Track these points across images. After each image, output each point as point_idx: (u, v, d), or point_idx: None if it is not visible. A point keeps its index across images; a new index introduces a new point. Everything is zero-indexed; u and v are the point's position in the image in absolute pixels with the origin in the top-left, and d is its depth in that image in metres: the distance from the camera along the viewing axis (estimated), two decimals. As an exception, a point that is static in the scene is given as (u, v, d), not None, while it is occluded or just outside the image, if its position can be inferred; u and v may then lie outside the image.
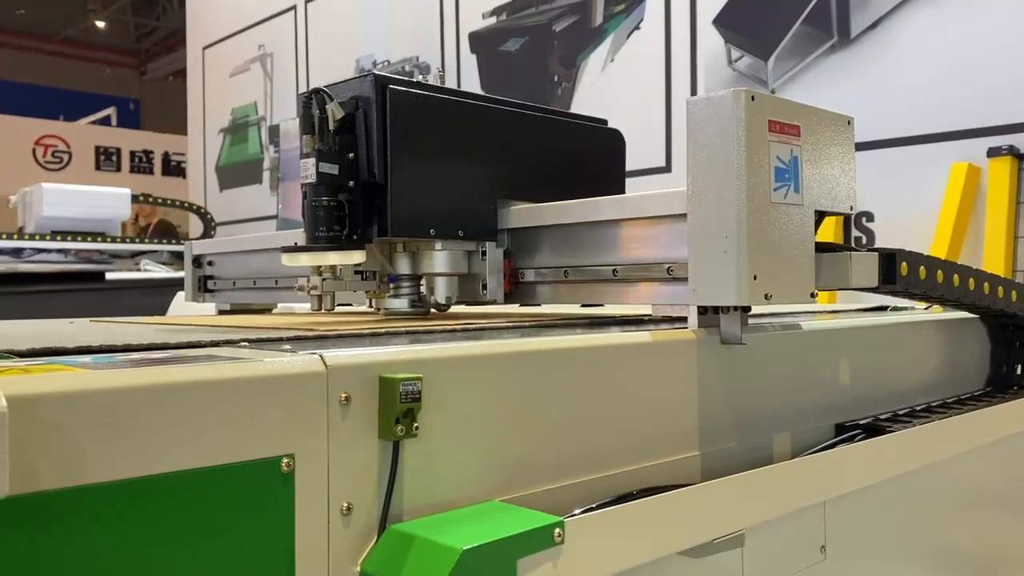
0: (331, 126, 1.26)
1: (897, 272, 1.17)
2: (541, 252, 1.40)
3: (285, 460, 0.72)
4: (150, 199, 6.14)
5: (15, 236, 4.84)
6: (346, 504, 0.76)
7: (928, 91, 3.49)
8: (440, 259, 1.39)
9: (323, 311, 1.37)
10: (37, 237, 4.82)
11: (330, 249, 1.27)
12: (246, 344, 0.89)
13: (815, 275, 1.13)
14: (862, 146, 3.64)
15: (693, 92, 4.25)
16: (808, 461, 1.16)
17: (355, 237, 1.27)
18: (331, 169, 1.26)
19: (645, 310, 1.39)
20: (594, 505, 0.90)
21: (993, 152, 3.27)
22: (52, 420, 0.61)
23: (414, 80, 1.35)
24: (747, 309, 1.11)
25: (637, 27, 4.54)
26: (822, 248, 1.15)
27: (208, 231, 5.88)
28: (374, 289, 1.42)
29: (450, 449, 0.84)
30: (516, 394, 0.90)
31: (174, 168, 10.36)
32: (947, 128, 3.45)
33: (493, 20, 5.22)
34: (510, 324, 1.27)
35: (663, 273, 1.19)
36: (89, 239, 4.94)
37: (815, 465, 1.16)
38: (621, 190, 1.62)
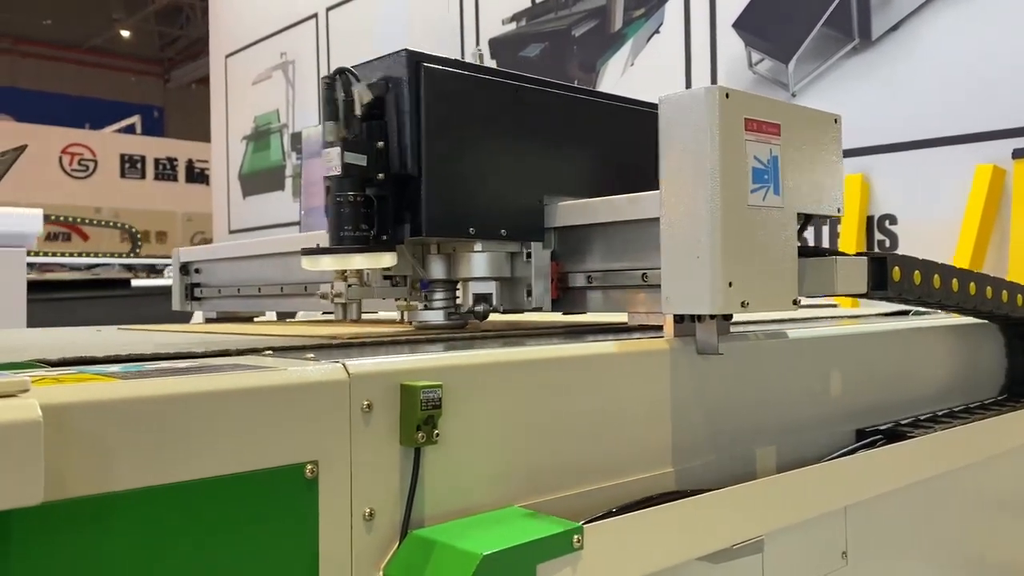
0: (358, 111, 1.13)
1: (888, 277, 1.13)
2: (593, 254, 1.26)
3: (309, 467, 0.74)
4: (66, 218, 6.02)
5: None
6: (368, 510, 0.77)
7: (951, 92, 3.46)
8: (479, 262, 1.23)
9: (348, 321, 1.24)
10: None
11: (356, 251, 1.12)
12: (270, 352, 0.91)
13: (798, 281, 1.08)
14: (885, 148, 3.64)
15: (713, 96, 4.25)
16: (829, 467, 1.15)
17: (384, 237, 1.13)
18: (358, 160, 1.11)
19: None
20: (613, 510, 0.91)
21: (1018, 153, 3.24)
22: (83, 428, 0.62)
23: (452, 59, 1.19)
24: (728, 317, 1.05)
25: (657, 31, 4.53)
26: (806, 252, 1.10)
27: (135, 248, 5.74)
28: (405, 297, 1.28)
29: (470, 455, 0.85)
30: (534, 401, 0.91)
31: (198, 175, 10.47)
32: (971, 130, 3.41)
33: (513, 26, 5.24)
34: (493, 334, 1.18)
35: (638, 280, 1.13)
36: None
37: (836, 470, 1.15)
38: None
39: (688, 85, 4.35)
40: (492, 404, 0.86)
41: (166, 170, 10.47)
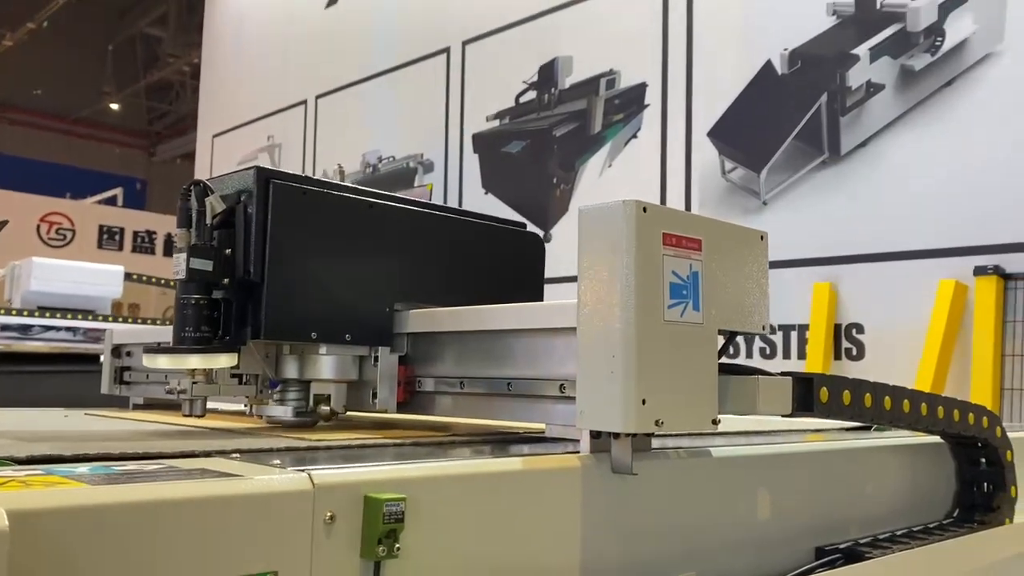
0: (208, 220, 1.19)
1: (815, 398, 1.11)
2: (443, 360, 1.30)
3: (268, 577, 0.74)
4: (144, 278, 6.13)
5: (-1, 311, 4.76)
6: (326, 622, 0.77)
7: (916, 209, 3.60)
8: (325, 364, 1.28)
9: (193, 416, 1.25)
10: (25, 313, 4.77)
11: (194, 352, 1.17)
12: (237, 456, 0.92)
13: (718, 399, 1.05)
14: (853, 259, 3.75)
15: (687, 200, 4.37)
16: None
17: (227, 339, 1.19)
18: (204, 265, 1.17)
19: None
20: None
21: (979, 271, 3.35)
22: (51, 535, 0.63)
23: (302, 176, 1.28)
24: (648, 433, 1.01)
25: (635, 136, 4.69)
26: (729, 370, 1.08)
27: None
28: (254, 395, 1.31)
29: (431, 569, 0.85)
30: (494, 514, 0.92)
31: (176, 249, 10.47)
32: (934, 245, 3.54)
33: (496, 123, 5.39)
34: (396, 441, 1.17)
35: (556, 391, 1.11)
36: (79, 317, 4.87)
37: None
38: (539, 297, 1.54)
39: (663, 189, 4.48)
40: (457, 517, 0.87)
41: (144, 243, 10.48)
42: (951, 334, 3.41)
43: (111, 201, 11.29)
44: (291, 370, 1.29)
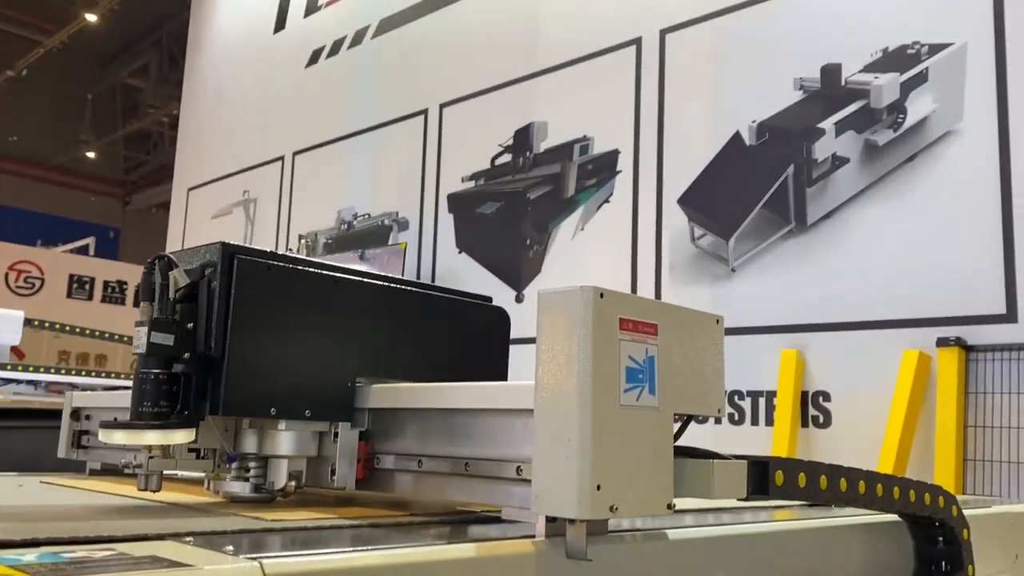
0: (171, 294, 1.19)
1: (771, 482, 1.12)
2: (403, 437, 1.28)
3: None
4: (57, 326, 5.94)
5: None
6: None
7: (880, 279, 3.67)
8: (284, 440, 1.26)
9: (150, 490, 1.24)
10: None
11: (151, 428, 1.16)
12: (190, 540, 0.91)
13: (673, 483, 1.05)
14: (820, 327, 3.80)
15: (658, 265, 4.43)
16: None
17: (185, 414, 1.18)
18: (165, 340, 1.17)
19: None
20: None
21: (942, 342, 3.41)
22: (-12, 634, 0.62)
23: (268, 251, 1.28)
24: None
25: (607, 200, 4.76)
26: (685, 453, 1.09)
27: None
28: (211, 469, 1.29)
29: (382, 660, 0.85)
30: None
31: (146, 300, 10.37)
32: (898, 316, 3.60)
33: (472, 184, 5.46)
34: (353, 523, 1.14)
35: (513, 472, 1.10)
36: (19, 368, 4.75)
37: None
38: (504, 372, 1.55)
39: (635, 253, 4.54)
40: (408, 604, 0.87)
41: (114, 292, 10.37)
42: (915, 404, 3.45)
43: (83, 250, 11.20)
44: (250, 445, 1.28)
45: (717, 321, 1.18)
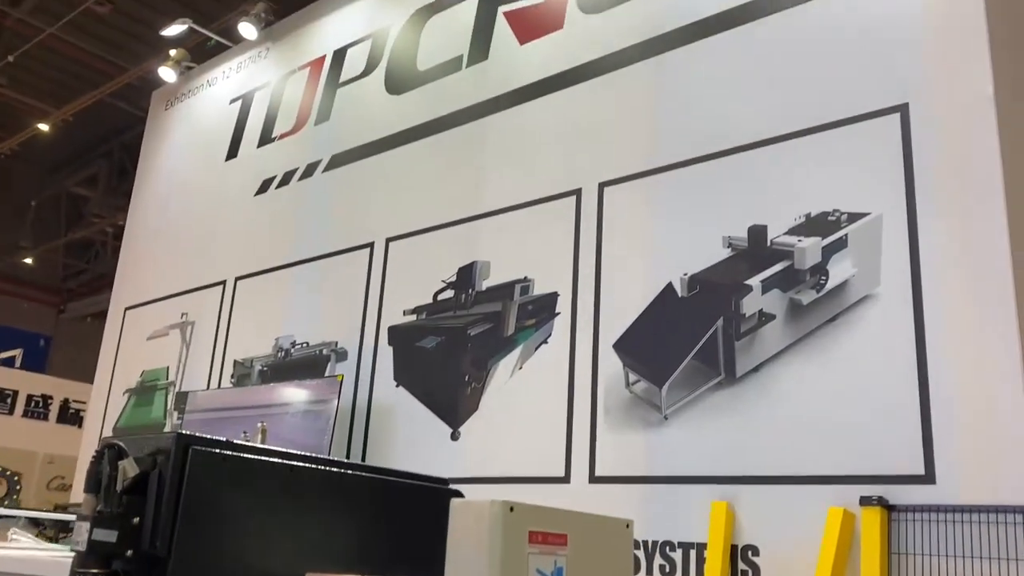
0: (119, 486, 1.14)
1: None
2: None
3: None
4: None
5: None
6: None
7: (806, 434, 3.75)
8: None
9: None
10: None
11: None
12: None
13: None
14: (748, 480, 3.84)
15: (593, 407, 4.47)
16: None
17: None
18: (107, 536, 1.11)
19: None
20: None
21: (864, 501, 3.47)
22: None
23: (224, 441, 1.24)
24: None
25: (545, 341, 4.84)
26: None
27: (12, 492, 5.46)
28: None
29: None
30: None
31: (71, 416, 10.03)
32: (823, 472, 3.67)
33: (413, 318, 5.51)
34: None
35: None
36: None
37: None
38: None
39: (571, 395, 4.59)
40: None
41: (38, 407, 10.01)
42: (840, 562, 3.48)
43: (9, 362, 10.85)
44: None
45: (627, 526, 1.22)
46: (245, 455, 1.25)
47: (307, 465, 1.34)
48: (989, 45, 3.66)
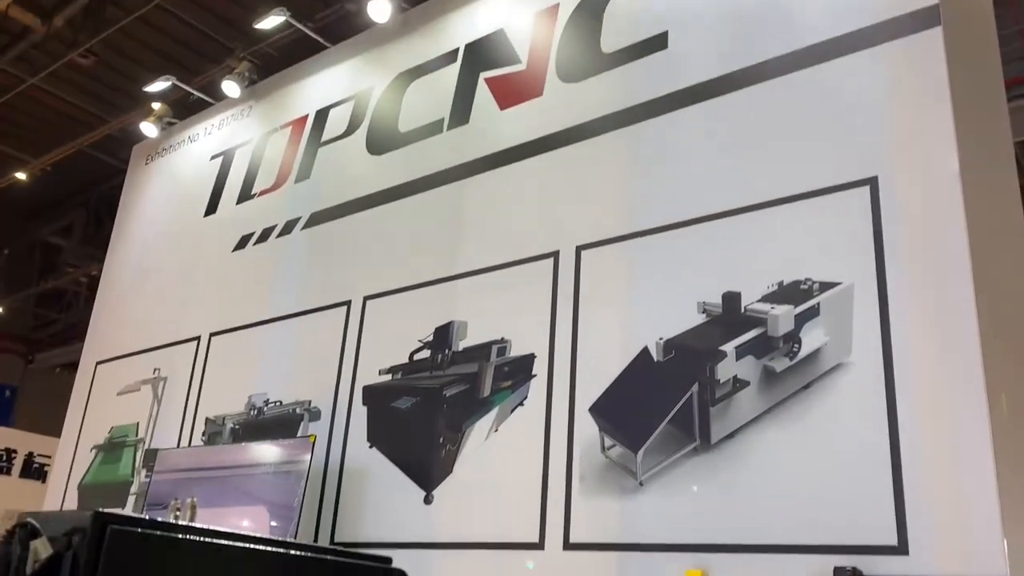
0: (29, 568, 1.10)
1: None
2: None
3: None
4: None
5: None
6: None
7: (780, 503, 3.75)
8: None
9: None
10: None
11: None
12: None
13: None
14: (722, 548, 3.82)
15: (568, 474, 4.45)
16: None
17: None
18: None
19: None
20: None
21: (839, 572, 3.46)
22: None
23: (146, 519, 1.21)
24: None
25: (521, 403, 4.83)
26: None
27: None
28: None
29: None
30: None
31: (35, 471, 9.80)
32: (797, 541, 3.66)
33: (388, 377, 5.48)
34: None
35: None
36: None
37: None
38: None
39: (546, 459, 4.57)
40: None
41: (1, 460, 9.77)
42: (816, 634, 3.45)
43: (-27, 414, 10.62)
44: None
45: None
46: (169, 534, 1.21)
47: (236, 544, 1.30)
48: (954, 121, 3.78)
